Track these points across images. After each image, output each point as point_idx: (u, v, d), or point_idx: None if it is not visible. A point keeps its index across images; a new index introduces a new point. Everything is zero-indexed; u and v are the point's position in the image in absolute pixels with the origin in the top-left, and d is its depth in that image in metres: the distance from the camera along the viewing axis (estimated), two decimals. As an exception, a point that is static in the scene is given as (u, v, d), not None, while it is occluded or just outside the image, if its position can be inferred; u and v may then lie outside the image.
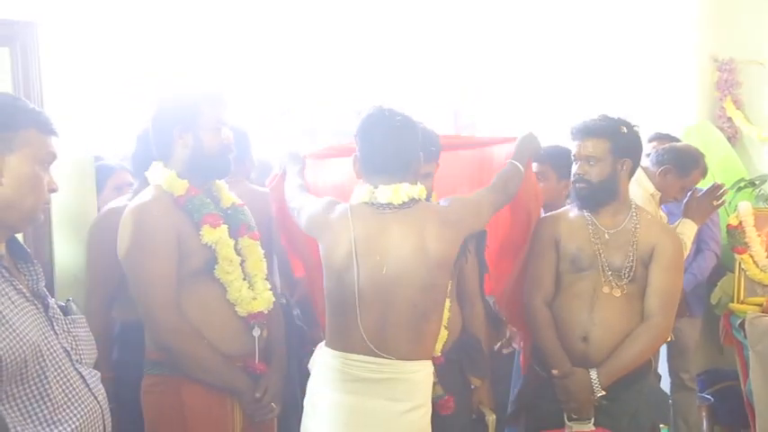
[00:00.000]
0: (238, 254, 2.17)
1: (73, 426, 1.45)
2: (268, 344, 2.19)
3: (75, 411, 1.48)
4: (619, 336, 2.36)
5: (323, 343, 2.16)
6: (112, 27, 3.44)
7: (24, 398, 1.41)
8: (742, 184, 3.98)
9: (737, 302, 3.59)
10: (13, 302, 1.42)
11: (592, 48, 4.69)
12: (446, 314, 2.33)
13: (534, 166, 2.71)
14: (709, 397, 4.00)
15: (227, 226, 2.14)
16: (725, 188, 3.18)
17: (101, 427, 1.56)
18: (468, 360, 2.46)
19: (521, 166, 2.37)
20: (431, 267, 2.06)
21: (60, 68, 2.50)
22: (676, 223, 3.06)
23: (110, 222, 2.21)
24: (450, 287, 2.34)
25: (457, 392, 2.38)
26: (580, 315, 2.40)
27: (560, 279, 2.48)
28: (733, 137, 4.36)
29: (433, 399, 2.19)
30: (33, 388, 1.41)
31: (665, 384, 3.66)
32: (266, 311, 2.17)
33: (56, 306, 1.57)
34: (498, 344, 3.06)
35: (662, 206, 3.24)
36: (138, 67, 4.31)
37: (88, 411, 1.51)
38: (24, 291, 1.48)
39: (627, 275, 2.38)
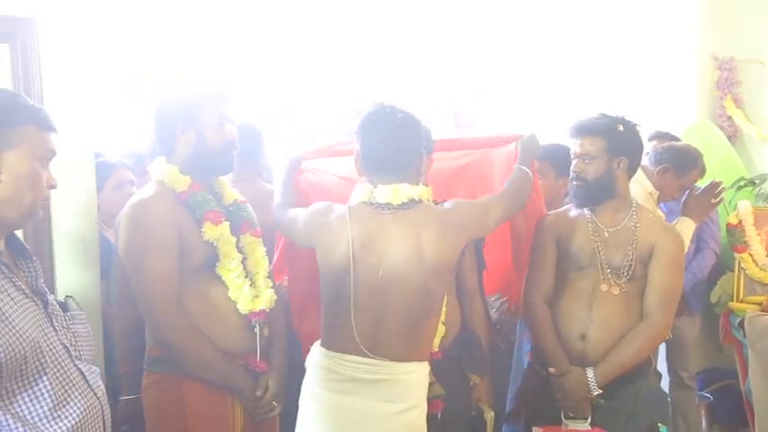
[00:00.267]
0: (240, 251, 2.16)
1: (73, 422, 1.45)
2: (269, 342, 2.19)
3: (75, 408, 1.48)
4: (617, 334, 2.36)
5: (318, 342, 2.15)
6: (113, 24, 3.44)
7: (24, 394, 1.41)
8: (742, 183, 3.98)
9: (737, 301, 3.58)
10: (12, 299, 1.42)
11: (592, 47, 4.69)
12: (443, 309, 2.31)
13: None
14: (708, 395, 4.00)
15: (228, 223, 2.14)
16: (723, 186, 3.18)
17: (100, 424, 1.56)
18: (468, 357, 2.46)
19: (529, 171, 2.35)
20: (426, 273, 2.03)
21: (60, 65, 2.51)
22: (675, 221, 3.07)
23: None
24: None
25: (456, 389, 2.39)
26: (579, 313, 2.40)
27: (560, 277, 2.48)
28: (733, 136, 4.35)
29: (430, 398, 2.18)
30: (33, 384, 1.42)
31: (664, 383, 3.65)
32: (268, 309, 2.16)
33: (55, 303, 1.57)
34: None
35: (662, 205, 3.25)
36: (139, 65, 4.31)
37: (88, 407, 1.51)
38: (24, 287, 1.48)
39: (626, 274, 2.38)
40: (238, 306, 2.10)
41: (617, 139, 2.37)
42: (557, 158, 2.91)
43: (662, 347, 3.52)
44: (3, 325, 1.36)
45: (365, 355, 2.02)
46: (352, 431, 2.05)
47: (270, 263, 2.31)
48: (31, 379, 1.41)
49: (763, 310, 3.39)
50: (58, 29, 2.50)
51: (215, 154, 2.12)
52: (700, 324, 3.80)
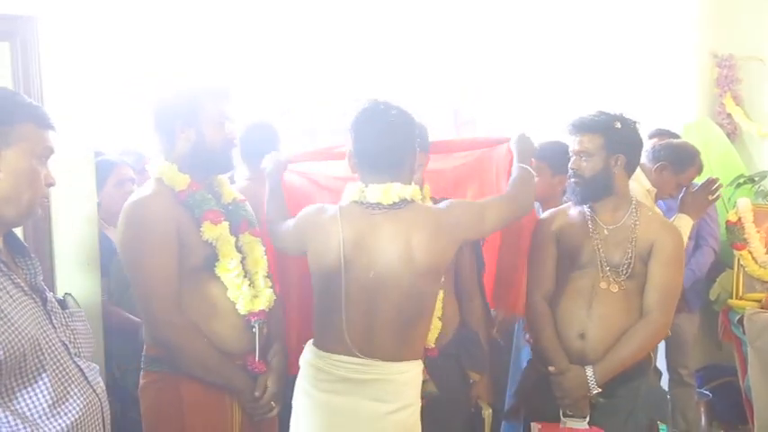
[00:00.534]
0: (239, 250, 2.14)
1: (72, 419, 1.46)
2: (268, 342, 2.17)
3: (75, 404, 1.48)
4: (616, 333, 2.35)
5: (311, 341, 2.12)
6: (113, 22, 3.45)
7: (23, 391, 1.41)
8: (741, 181, 3.98)
9: (736, 298, 3.58)
10: (11, 296, 1.42)
11: (591, 45, 4.70)
12: (438, 305, 2.31)
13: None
14: (707, 393, 4.00)
15: (228, 223, 2.12)
16: (719, 183, 3.18)
17: (100, 421, 1.57)
18: (467, 355, 2.46)
19: (531, 169, 2.26)
20: (417, 276, 1.99)
21: (60, 64, 2.51)
22: (672, 219, 3.07)
23: None
24: (444, 279, 2.32)
25: (455, 387, 2.39)
26: (578, 312, 2.40)
27: (560, 275, 2.48)
28: (732, 133, 4.35)
29: (425, 395, 2.16)
30: (32, 382, 1.42)
31: (663, 380, 3.66)
32: (267, 309, 2.14)
33: (54, 300, 1.58)
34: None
35: (660, 202, 3.25)
36: (139, 64, 4.32)
37: (87, 404, 1.51)
38: (22, 285, 1.48)
39: (625, 272, 2.37)
40: (238, 306, 2.09)
41: (614, 137, 2.36)
42: (552, 156, 2.90)
43: (661, 345, 3.52)
44: (2, 322, 1.37)
45: (356, 356, 1.99)
46: (344, 431, 2.03)
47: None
48: (31, 376, 1.42)
49: (762, 307, 3.39)
50: (59, 27, 2.51)
51: (214, 152, 2.10)
52: (699, 321, 3.81)
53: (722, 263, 3.72)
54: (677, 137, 3.71)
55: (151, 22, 4.32)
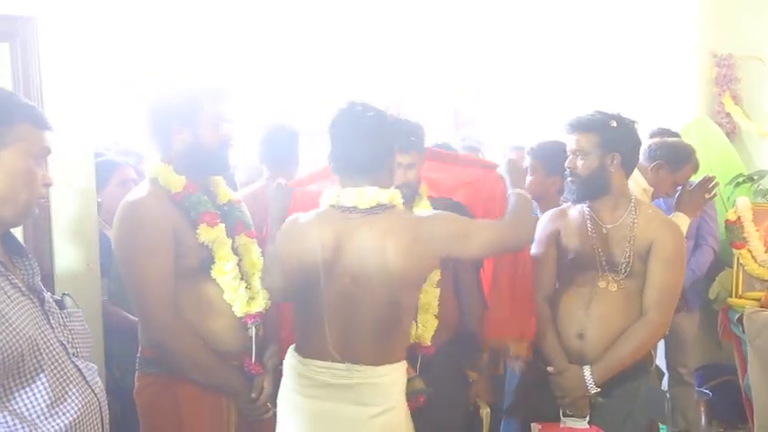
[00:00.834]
0: (235, 252, 2.14)
1: (70, 419, 1.46)
2: (264, 343, 2.18)
3: (73, 404, 1.48)
4: (615, 332, 2.35)
5: (293, 346, 2.10)
6: (113, 23, 3.46)
7: (21, 392, 1.41)
8: (740, 180, 3.97)
9: (736, 297, 3.58)
10: (8, 297, 1.42)
11: (591, 44, 4.70)
12: (434, 302, 2.30)
13: (525, 160, 2.72)
14: (707, 392, 3.99)
15: (224, 225, 2.11)
16: (716, 181, 3.18)
17: (98, 421, 1.57)
18: (466, 354, 2.46)
19: (527, 195, 2.19)
20: (393, 285, 1.95)
21: (60, 64, 2.52)
22: (669, 217, 3.06)
23: None
24: (440, 278, 2.33)
25: (453, 386, 2.39)
26: (576, 312, 2.41)
27: (560, 275, 2.49)
28: (732, 132, 4.35)
29: (411, 393, 2.15)
30: (30, 382, 1.42)
31: (663, 380, 3.66)
32: (263, 311, 2.14)
33: (51, 300, 1.58)
34: None
35: (657, 201, 3.25)
36: (139, 64, 4.33)
37: (85, 404, 1.51)
38: (20, 285, 1.48)
39: (624, 271, 2.37)
40: (234, 309, 2.08)
41: (610, 135, 2.36)
42: (547, 155, 2.90)
43: (660, 344, 3.52)
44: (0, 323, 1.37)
45: (337, 361, 1.97)
46: None
47: None
48: (29, 376, 1.42)
49: (761, 306, 3.39)
50: (58, 27, 2.51)
51: (210, 153, 2.09)
52: (698, 320, 3.80)
53: (722, 262, 3.72)
54: (678, 136, 3.71)
55: (151, 23, 4.33)
